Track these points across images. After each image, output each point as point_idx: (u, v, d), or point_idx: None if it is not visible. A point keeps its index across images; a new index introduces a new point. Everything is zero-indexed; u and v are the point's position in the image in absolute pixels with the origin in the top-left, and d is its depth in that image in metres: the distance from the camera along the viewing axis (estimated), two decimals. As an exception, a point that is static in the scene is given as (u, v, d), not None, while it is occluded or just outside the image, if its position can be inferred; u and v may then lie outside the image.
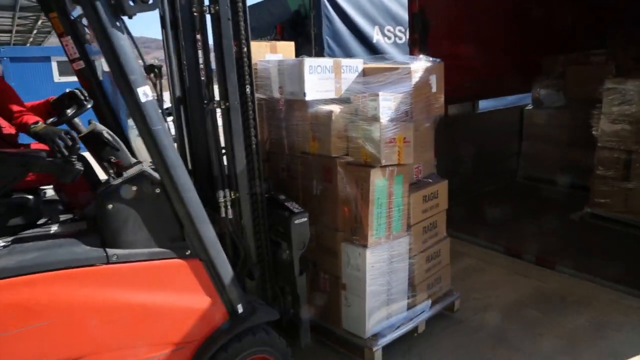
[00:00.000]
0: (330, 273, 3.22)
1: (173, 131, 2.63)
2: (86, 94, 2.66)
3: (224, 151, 2.73)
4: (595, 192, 5.35)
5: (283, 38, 7.13)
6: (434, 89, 3.30)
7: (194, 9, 2.53)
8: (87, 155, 2.64)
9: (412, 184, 3.25)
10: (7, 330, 2.04)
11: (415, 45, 5.29)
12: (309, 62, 2.96)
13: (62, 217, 2.61)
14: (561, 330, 3.50)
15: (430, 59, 3.29)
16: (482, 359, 3.25)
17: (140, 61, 2.48)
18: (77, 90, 2.66)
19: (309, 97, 3.00)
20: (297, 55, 3.57)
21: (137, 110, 2.15)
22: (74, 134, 2.35)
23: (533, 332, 3.49)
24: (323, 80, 3.03)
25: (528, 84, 6.80)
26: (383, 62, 3.34)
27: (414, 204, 3.21)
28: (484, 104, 6.96)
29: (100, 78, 2.94)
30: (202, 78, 2.62)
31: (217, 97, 2.64)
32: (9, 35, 14.44)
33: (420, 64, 3.19)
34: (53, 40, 16.53)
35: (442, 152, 3.69)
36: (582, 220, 5.41)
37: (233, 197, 2.68)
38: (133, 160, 2.52)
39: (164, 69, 2.62)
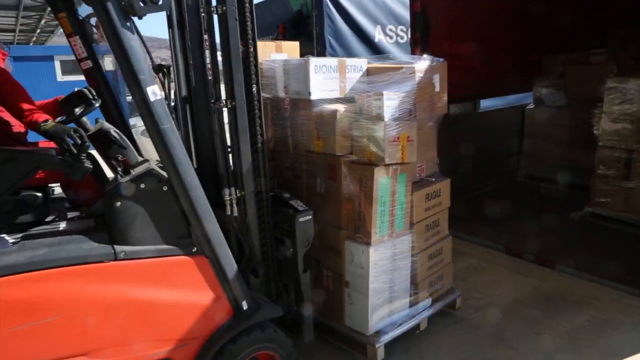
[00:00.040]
0: (334, 271, 3.25)
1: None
2: (94, 93, 2.69)
3: (229, 150, 2.76)
4: (595, 191, 5.36)
5: (285, 38, 7.14)
6: (437, 89, 3.33)
7: (202, 10, 2.56)
8: (94, 153, 2.67)
9: (415, 182, 3.28)
10: (17, 325, 2.07)
11: (417, 45, 5.31)
12: (314, 61, 2.99)
13: (70, 215, 2.65)
14: (561, 330, 3.52)
15: (434, 58, 3.32)
16: (482, 358, 3.27)
17: (149, 61, 2.50)
18: (85, 89, 2.69)
19: (314, 97, 3.03)
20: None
21: (146, 109, 2.18)
22: (83, 132, 2.38)
23: (533, 331, 3.50)
24: (328, 80, 3.07)
25: (529, 84, 6.82)
26: (387, 62, 3.37)
27: (416, 202, 3.24)
28: (485, 104, 6.98)
29: None
30: (209, 77, 2.65)
31: (223, 97, 2.68)
32: (13, 34, 14.47)
33: (423, 64, 3.22)
34: (56, 40, 16.57)
35: (443, 152, 3.73)
36: (582, 220, 5.42)
37: (238, 195, 2.72)
38: (140, 158, 2.56)
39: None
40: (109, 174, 2.72)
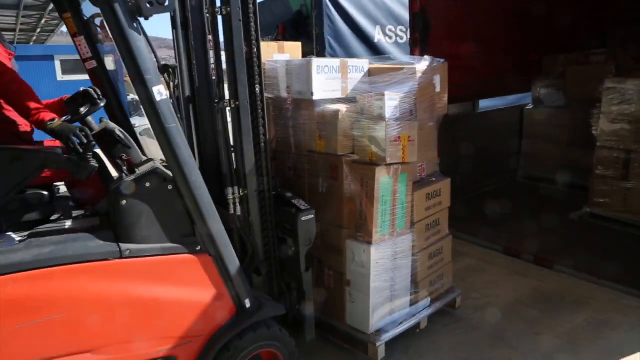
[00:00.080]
0: (335, 270, 3.28)
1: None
2: (100, 93, 2.72)
3: (232, 149, 2.79)
4: (594, 191, 5.38)
5: (285, 38, 7.15)
6: (437, 89, 3.36)
7: (206, 11, 2.58)
8: (98, 152, 2.70)
9: (416, 182, 3.31)
10: (24, 322, 2.10)
11: (416, 45, 5.32)
12: (316, 62, 3.02)
13: (75, 213, 2.67)
14: (560, 330, 3.54)
15: (435, 59, 3.34)
16: (482, 358, 3.29)
17: (155, 61, 2.53)
18: (91, 89, 2.71)
19: (316, 97, 3.06)
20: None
21: (151, 108, 2.21)
22: (88, 131, 2.41)
23: (532, 332, 3.52)
24: (330, 80, 3.10)
25: (528, 84, 6.84)
26: (388, 63, 3.40)
27: (417, 202, 3.27)
28: (485, 104, 7.00)
29: None
30: (213, 77, 2.68)
31: (226, 97, 2.71)
32: (13, 33, 14.47)
33: (424, 65, 3.24)
34: (56, 39, 16.59)
35: (442, 152, 3.74)
36: (581, 220, 5.44)
37: (241, 194, 2.74)
38: (144, 157, 2.58)
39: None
40: (113, 173, 2.75)
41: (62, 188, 2.82)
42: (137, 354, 2.37)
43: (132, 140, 2.61)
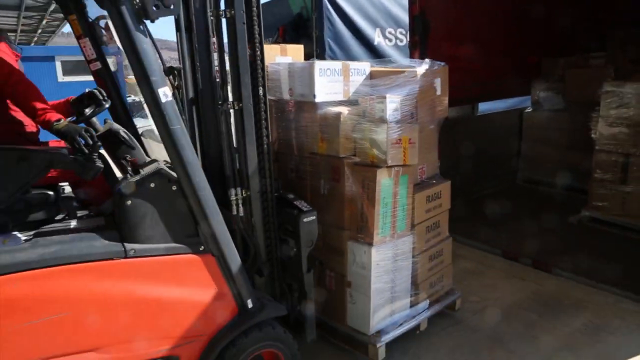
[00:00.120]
0: (336, 271, 3.30)
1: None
2: (105, 94, 2.75)
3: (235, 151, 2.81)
4: (593, 195, 5.38)
5: (285, 40, 7.19)
6: (438, 92, 3.39)
7: (210, 13, 2.61)
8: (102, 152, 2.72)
9: (416, 184, 3.33)
10: (29, 320, 2.12)
11: (416, 48, 5.35)
12: (319, 65, 3.05)
13: (79, 213, 2.70)
14: (558, 333, 3.55)
15: (435, 62, 3.37)
16: (480, 361, 3.33)
17: (160, 63, 2.55)
18: (96, 90, 2.74)
19: (318, 99, 3.09)
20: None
21: (157, 110, 2.24)
22: (94, 132, 2.43)
23: (530, 335, 3.53)
24: (332, 83, 3.12)
25: (528, 87, 6.85)
26: (389, 66, 3.43)
27: (417, 204, 3.29)
28: (484, 107, 7.03)
29: None
30: (217, 80, 2.70)
31: (230, 98, 2.73)
32: (14, 34, 14.49)
33: (425, 68, 3.27)
34: (57, 40, 16.61)
35: (442, 154, 3.75)
36: (580, 224, 5.44)
37: (244, 195, 2.76)
38: (147, 158, 2.61)
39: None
40: (118, 173, 2.77)
41: (67, 188, 2.84)
42: (140, 353, 2.40)
43: (136, 141, 2.64)
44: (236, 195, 2.74)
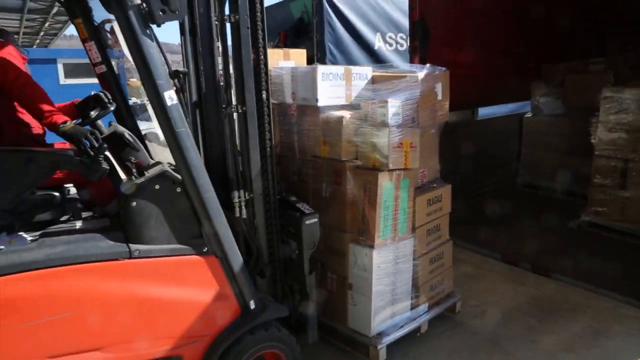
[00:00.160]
0: (338, 273, 3.33)
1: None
2: (110, 97, 2.78)
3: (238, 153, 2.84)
4: (592, 200, 5.40)
5: (286, 44, 7.22)
6: (439, 97, 3.42)
7: (215, 18, 2.65)
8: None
9: (417, 187, 3.37)
10: (35, 319, 2.15)
11: (416, 53, 5.40)
12: (321, 69, 3.09)
13: (84, 215, 2.72)
14: (556, 338, 3.55)
15: (437, 67, 3.41)
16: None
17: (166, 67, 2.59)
18: (101, 93, 2.77)
19: (321, 103, 3.13)
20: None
21: (162, 112, 2.27)
22: (99, 134, 2.46)
23: (529, 339, 3.54)
24: (334, 87, 3.16)
25: (528, 92, 6.88)
26: (391, 70, 3.47)
27: (418, 207, 3.33)
28: (485, 111, 7.05)
29: None
30: (221, 83, 2.74)
31: (233, 102, 2.76)
32: (17, 37, 14.55)
33: (426, 73, 3.31)
34: (59, 43, 16.65)
35: (442, 159, 3.76)
36: (579, 229, 5.45)
37: (247, 197, 2.80)
38: (151, 160, 2.64)
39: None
40: (122, 175, 2.80)
41: (72, 190, 2.87)
42: (144, 353, 2.42)
43: (140, 144, 2.67)
44: (239, 197, 2.77)
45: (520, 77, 6.64)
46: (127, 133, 2.63)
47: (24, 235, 2.34)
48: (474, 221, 5.51)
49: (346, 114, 3.17)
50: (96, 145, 2.39)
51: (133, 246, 2.34)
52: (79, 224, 2.52)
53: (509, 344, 3.50)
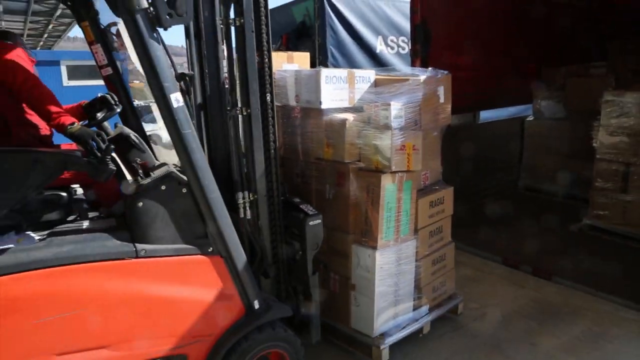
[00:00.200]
0: (341, 274, 3.36)
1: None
2: (116, 99, 2.81)
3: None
4: (594, 204, 5.40)
5: (288, 48, 7.25)
6: (441, 100, 3.45)
7: (221, 22, 2.68)
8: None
9: (420, 189, 3.40)
10: (42, 317, 2.18)
11: (417, 56, 5.41)
12: (325, 72, 3.12)
13: (90, 215, 2.75)
14: (556, 341, 3.56)
15: (439, 71, 3.44)
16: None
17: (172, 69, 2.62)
18: (108, 95, 2.81)
19: (324, 106, 3.15)
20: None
21: (169, 114, 2.30)
22: (105, 136, 2.50)
23: (529, 342, 3.55)
24: (338, 90, 3.19)
25: (529, 95, 6.90)
26: (394, 74, 3.50)
27: (421, 209, 3.35)
28: (486, 114, 7.07)
29: None
30: (226, 86, 2.77)
31: (238, 104, 2.79)
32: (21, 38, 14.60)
33: (429, 76, 3.34)
34: (63, 45, 16.70)
35: (444, 161, 3.77)
36: (580, 232, 5.45)
37: (251, 199, 2.82)
38: (157, 161, 2.67)
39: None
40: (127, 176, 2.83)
41: (79, 190, 2.90)
42: (149, 351, 2.45)
43: (145, 145, 2.70)
44: (243, 198, 2.80)
45: (522, 80, 6.65)
46: (132, 134, 2.66)
47: (32, 234, 2.37)
48: (475, 224, 5.50)
49: (349, 117, 3.20)
50: (103, 146, 2.42)
51: (139, 246, 2.37)
52: (85, 224, 2.55)
53: (509, 346, 3.51)
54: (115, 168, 2.46)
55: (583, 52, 6.70)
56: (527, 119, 7.07)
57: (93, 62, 2.97)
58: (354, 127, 3.15)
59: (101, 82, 3.01)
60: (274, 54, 3.31)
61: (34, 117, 2.72)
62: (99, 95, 2.84)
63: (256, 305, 2.69)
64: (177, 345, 2.51)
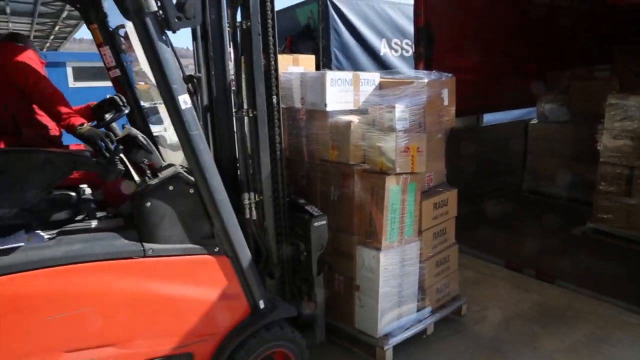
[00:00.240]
0: (345, 275, 3.38)
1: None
2: (124, 100, 2.85)
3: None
4: (597, 207, 5.39)
5: (292, 50, 7.29)
6: (445, 102, 3.48)
7: (228, 25, 2.71)
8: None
9: (424, 191, 3.42)
10: (53, 314, 2.21)
11: (420, 59, 5.44)
12: (330, 75, 3.16)
13: (98, 214, 2.79)
14: (559, 345, 3.56)
15: (443, 73, 3.47)
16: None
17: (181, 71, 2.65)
18: (116, 97, 2.85)
19: (329, 108, 3.19)
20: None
21: (177, 116, 2.34)
22: (113, 136, 2.53)
23: (531, 346, 3.55)
24: (343, 92, 3.22)
25: (533, 98, 6.89)
26: (398, 76, 3.53)
27: (425, 211, 3.37)
28: (490, 117, 7.08)
29: None
30: (232, 88, 2.80)
31: (244, 106, 2.82)
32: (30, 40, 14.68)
33: (433, 79, 3.37)
34: (69, 46, 16.76)
35: (447, 164, 3.80)
36: (584, 235, 5.44)
37: (257, 199, 2.85)
38: (164, 162, 2.70)
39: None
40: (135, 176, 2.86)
41: (87, 190, 2.94)
42: (155, 350, 2.47)
43: (153, 146, 2.74)
44: (249, 199, 2.82)
45: (525, 83, 6.66)
46: (140, 136, 2.70)
47: (41, 233, 2.41)
48: (478, 226, 5.49)
49: (354, 119, 3.23)
50: (112, 147, 2.46)
51: (147, 245, 2.40)
52: (94, 223, 2.58)
53: (511, 349, 3.52)
54: (123, 168, 2.49)
55: (587, 55, 6.71)
56: (531, 121, 7.06)
57: (99, 64, 3.02)
58: (358, 129, 3.18)
59: (106, 84, 3.06)
60: (280, 57, 3.33)
61: (43, 118, 2.76)
62: (108, 96, 2.88)
63: (261, 304, 2.72)
64: (183, 343, 2.53)
